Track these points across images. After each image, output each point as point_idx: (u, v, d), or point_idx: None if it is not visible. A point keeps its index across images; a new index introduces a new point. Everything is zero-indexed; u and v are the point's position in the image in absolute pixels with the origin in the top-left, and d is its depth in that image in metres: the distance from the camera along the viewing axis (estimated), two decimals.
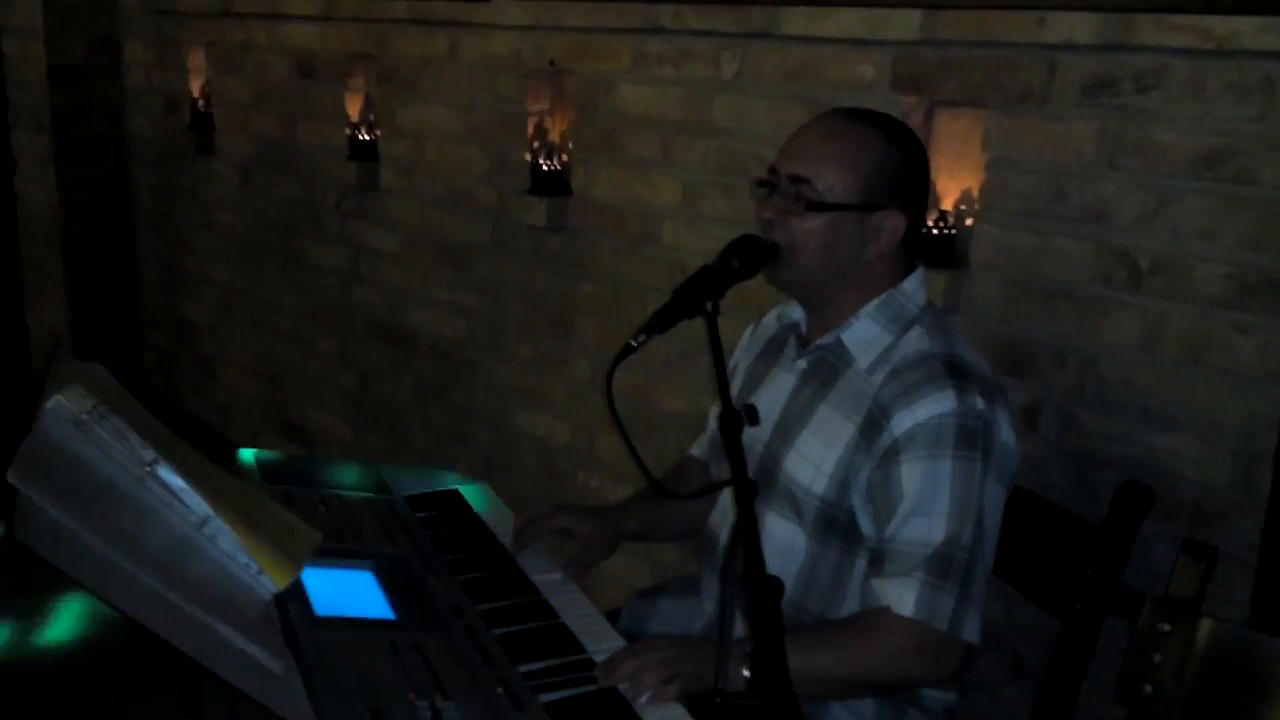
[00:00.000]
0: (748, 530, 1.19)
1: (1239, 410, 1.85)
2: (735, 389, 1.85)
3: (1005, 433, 1.60)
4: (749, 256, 1.59)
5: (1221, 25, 1.79)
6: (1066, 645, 1.67)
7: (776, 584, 1.14)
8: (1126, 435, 1.98)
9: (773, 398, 1.74)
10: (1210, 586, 1.58)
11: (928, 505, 1.52)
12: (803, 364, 1.72)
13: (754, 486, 1.25)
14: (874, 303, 1.66)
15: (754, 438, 1.73)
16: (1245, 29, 1.77)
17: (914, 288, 1.68)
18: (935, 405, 1.54)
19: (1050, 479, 2.05)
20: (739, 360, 1.90)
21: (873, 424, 1.59)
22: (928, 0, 2.14)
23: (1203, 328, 1.88)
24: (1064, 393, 2.05)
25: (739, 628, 1.35)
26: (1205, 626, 1.48)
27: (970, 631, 1.54)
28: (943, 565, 1.51)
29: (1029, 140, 2.06)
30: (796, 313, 1.79)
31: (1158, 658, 1.50)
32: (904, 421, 1.55)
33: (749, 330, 1.94)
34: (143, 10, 4.55)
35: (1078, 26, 1.94)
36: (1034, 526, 1.80)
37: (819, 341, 1.70)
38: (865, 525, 1.61)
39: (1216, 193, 1.85)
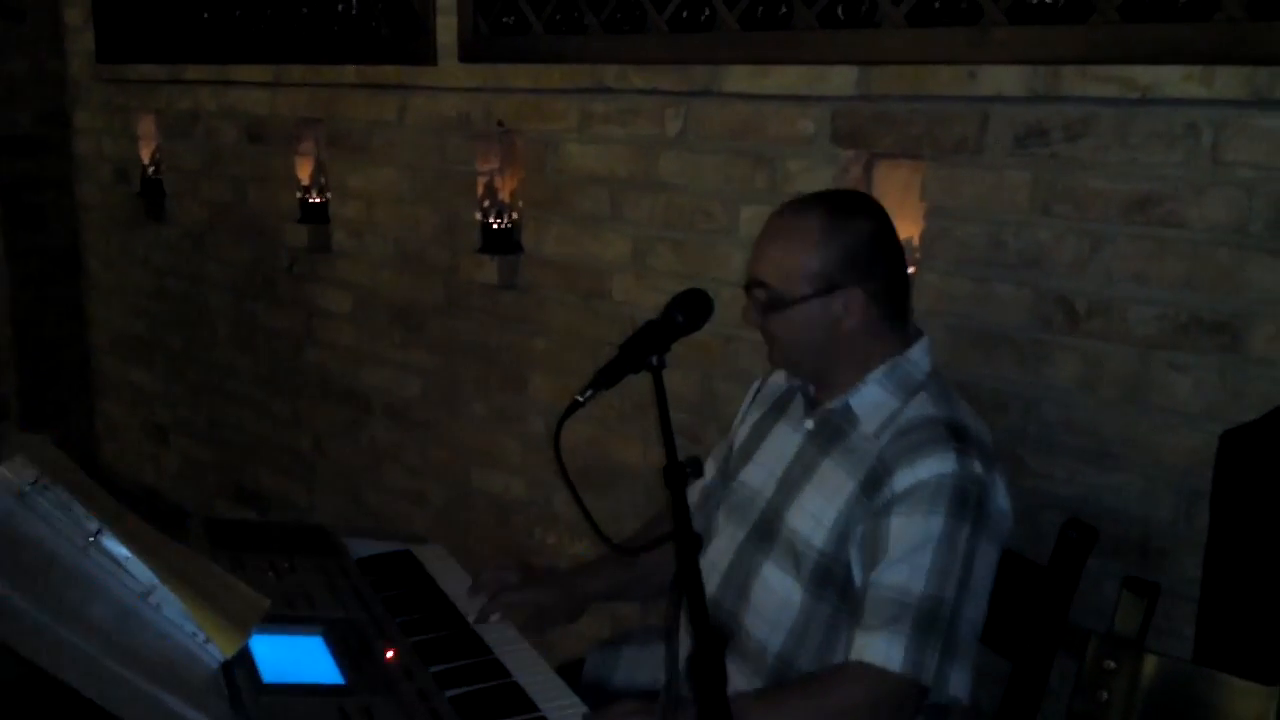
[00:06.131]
0: (690, 583, 1.20)
1: (1178, 447, 1.89)
2: (739, 441, 1.90)
3: (1001, 498, 1.63)
4: (692, 311, 1.61)
5: (1144, 75, 1.85)
6: (1017, 686, 1.69)
7: (720, 637, 1.15)
8: (1070, 475, 2.01)
9: (778, 453, 1.78)
10: (1156, 621, 1.60)
11: (911, 557, 1.55)
12: (810, 424, 1.76)
13: (698, 540, 1.26)
14: (880, 369, 1.70)
15: (756, 492, 1.78)
16: (1167, 78, 1.83)
17: (919, 355, 1.73)
18: (937, 465, 1.58)
19: None
20: (746, 414, 1.95)
21: (874, 479, 1.62)
22: (863, 57, 2.19)
23: (1140, 368, 1.93)
24: (1007, 435, 2.08)
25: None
26: (1150, 663, 1.50)
27: (958, 686, 1.55)
28: (927, 621, 1.53)
29: (965, 190, 2.11)
30: None
31: (1105, 695, 1.51)
32: (905, 478, 1.59)
33: (755, 385, 1.98)
34: (91, 79, 4.55)
35: (1007, 79, 2.00)
36: None
37: (828, 405, 1.73)
38: (858, 576, 1.62)
39: (1147, 236, 1.90)
